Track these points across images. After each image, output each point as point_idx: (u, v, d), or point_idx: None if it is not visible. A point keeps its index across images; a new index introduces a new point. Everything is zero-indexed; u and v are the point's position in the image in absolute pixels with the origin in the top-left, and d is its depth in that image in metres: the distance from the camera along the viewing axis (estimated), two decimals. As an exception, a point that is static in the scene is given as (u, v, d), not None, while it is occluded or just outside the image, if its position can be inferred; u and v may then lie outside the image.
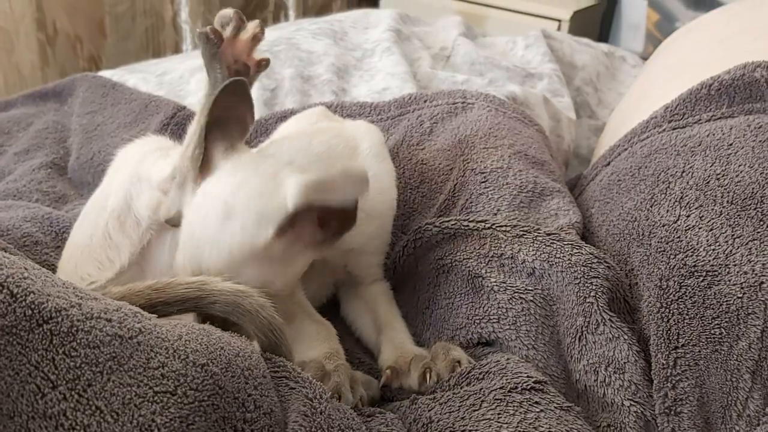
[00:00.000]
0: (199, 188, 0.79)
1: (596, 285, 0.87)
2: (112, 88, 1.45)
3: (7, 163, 1.35)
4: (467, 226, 0.97)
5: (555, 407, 0.76)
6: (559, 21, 2.46)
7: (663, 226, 0.92)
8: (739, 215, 0.88)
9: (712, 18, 1.52)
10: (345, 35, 1.68)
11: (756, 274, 0.82)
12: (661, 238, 0.91)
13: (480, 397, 0.77)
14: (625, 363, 0.83)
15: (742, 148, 0.95)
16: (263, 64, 0.92)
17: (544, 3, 2.51)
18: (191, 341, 0.62)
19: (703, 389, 0.78)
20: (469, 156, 1.11)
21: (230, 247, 0.75)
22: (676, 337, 0.81)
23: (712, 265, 0.85)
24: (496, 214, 1.02)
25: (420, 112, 1.24)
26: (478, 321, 0.91)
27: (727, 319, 0.81)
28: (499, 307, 0.90)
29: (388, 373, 0.85)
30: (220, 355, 0.63)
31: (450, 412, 0.76)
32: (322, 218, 0.76)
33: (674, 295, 0.84)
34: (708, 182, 0.93)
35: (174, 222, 0.80)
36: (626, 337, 0.84)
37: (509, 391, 0.77)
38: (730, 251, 0.85)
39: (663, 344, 0.81)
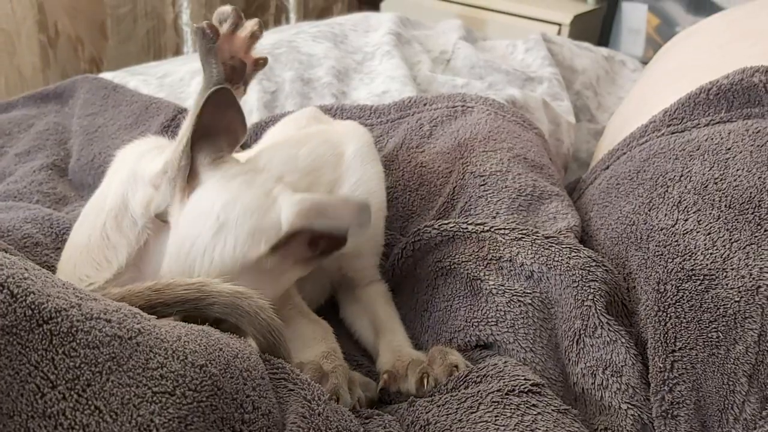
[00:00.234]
0: (186, 198, 0.79)
1: (594, 288, 0.88)
2: (112, 90, 1.45)
3: (8, 164, 1.35)
4: (466, 228, 0.98)
5: (552, 410, 0.77)
6: (560, 25, 2.47)
7: (661, 229, 0.92)
8: (736, 219, 0.88)
9: (712, 23, 1.52)
10: (345, 38, 1.68)
11: (753, 278, 0.82)
12: (659, 241, 0.91)
13: (477, 400, 0.77)
14: (622, 366, 0.83)
15: (740, 152, 0.96)
16: (261, 63, 0.92)
17: (545, 7, 2.52)
18: (190, 342, 0.63)
19: (700, 393, 0.79)
20: (469, 159, 1.12)
21: (222, 260, 0.75)
22: (673, 340, 0.81)
23: (710, 269, 0.85)
24: (494, 217, 1.02)
25: (420, 116, 1.25)
26: (476, 324, 0.91)
27: (724, 323, 0.81)
28: (497, 310, 0.91)
29: (386, 378, 0.85)
30: (218, 356, 0.63)
31: (447, 415, 0.76)
32: (312, 238, 0.78)
33: (672, 299, 0.84)
34: (706, 186, 0.94)
35: (164, 217, 0.80)
36: (624, 340, 0.84)
37: (506, 394, 0.78)
38: (728, 255, 0.85)
39: (660, 347, 0.81)
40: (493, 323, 0.90)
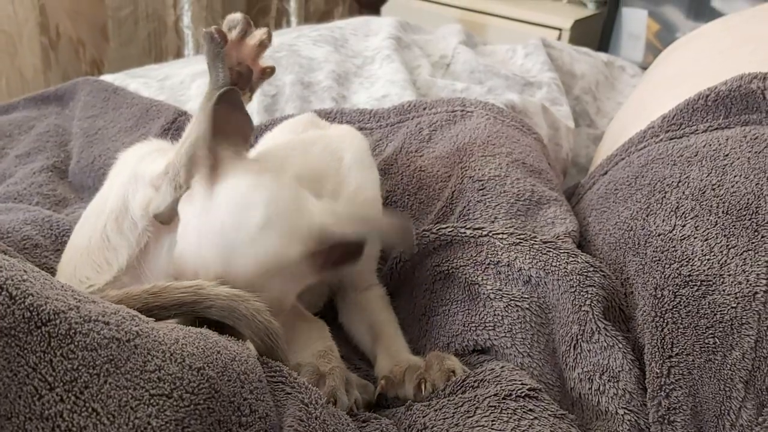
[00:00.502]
0: (208, 189, 0.77)
1: (592, 294, 0.88)
2: (113, 92, 1.46)
3: (8, 165, 1.35)
4: (464, 233, 0.98)
5: (549, 415, 0.77)
6: (560, 30, 2.47)
7: (659, 235, 0.92)
8: (734, 225, 0.89)
9: (712, 28, 1.53)
10: (346, 42, 1.69)
11: (750, 285, 0.82)
12: (657, 247, 0.91)
13: (474, 404, 0.77)
14: (619, 371, 0.83)
15: (738, 158, 0.96)
16: (268, 72, 0.92)
17: (545, 12, 2.52)
18: (188, 345, 0.63)
19: (697, 398, 0.79)
20: (468, 163, 1.12)
21: (266, 255, 0.74)
22: (670, 346, 0.82)
23: (707, 275, 0.85)
24: (493, 222, 1.02)
25: (419, 120, 1.25)
26: (474, 328, 0.91)
27: (721, 329, 0.81)
28: (495, 315, 0.91)
29: (383, 384, 0.85)
30: (216, 359, 0.63)
31: (444, 419, 0.77)
32: (332, 248, 0.78)
33: (669, 305, 0.85)
34: (704, 192, 0.94)
35: (162, 218, 0.80)
36: (621, 345, 0.84)
37: (503, 398, 0.78)
38: (725, 261, 0.86)
39: (657, 353, 0.82)
40: (490, 328, 0.90)
